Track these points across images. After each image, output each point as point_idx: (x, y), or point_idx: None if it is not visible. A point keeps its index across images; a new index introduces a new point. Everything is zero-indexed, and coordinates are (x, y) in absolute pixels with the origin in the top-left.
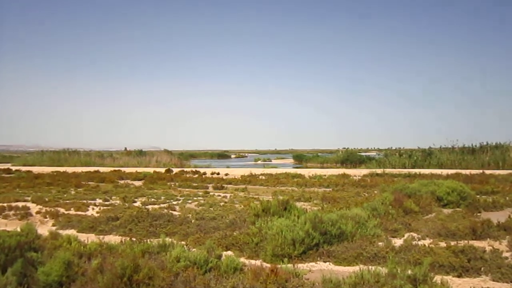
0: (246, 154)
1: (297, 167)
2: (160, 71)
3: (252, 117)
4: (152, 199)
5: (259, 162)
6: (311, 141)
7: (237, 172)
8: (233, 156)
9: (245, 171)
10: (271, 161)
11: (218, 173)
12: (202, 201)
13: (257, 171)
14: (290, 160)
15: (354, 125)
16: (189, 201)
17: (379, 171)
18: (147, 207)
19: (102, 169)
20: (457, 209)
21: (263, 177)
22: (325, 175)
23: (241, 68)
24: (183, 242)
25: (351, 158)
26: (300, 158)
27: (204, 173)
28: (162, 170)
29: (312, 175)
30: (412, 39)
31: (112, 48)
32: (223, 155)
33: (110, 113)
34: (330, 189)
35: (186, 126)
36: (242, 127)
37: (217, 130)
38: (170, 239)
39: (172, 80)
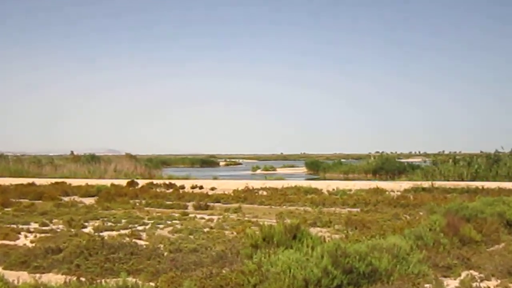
0: (241, 161)
1: (311, 179)
2: (117, 44)
3: (249, 110)
4: (109, 223)
5: (258, 171)
6: (332, 143)
7: (227, 185)
8: (222, 163)
9: (239, 184)
10: (275, 170)
11: (201, 187)
12: (178, 226)
13: (255, 184)
14: (302, 169)
15: (391, 121)
16: (161, 226)
17: (425, 184)
18: (101, 234)
19: (39, 181)
20: None
21: (264, 193)
22: (350, 190)
23: (234, 40)
24: (152, 284)
25: (387, 167)
26: (316, 167)
27: (182, 187)
28: (123, 182)
29: (333, 189)
30: (472, 14)
31: (47, 12)
32: (208, 162)
33: (50, 104)
34: (358, 210)
35: (157, 122)
36: (234, 123)
37: (200, 128)
38: (133, 279)
39: (135, 58)
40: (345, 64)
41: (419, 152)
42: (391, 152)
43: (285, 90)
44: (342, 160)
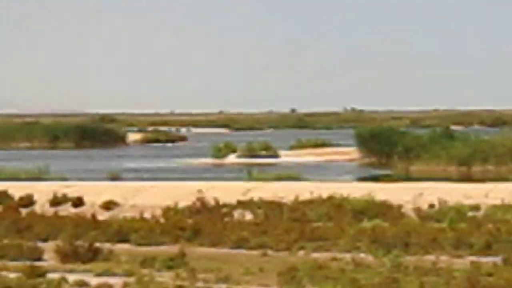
0: (185, 130)
1: (373, 178)
2: None
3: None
4: None
5: (231, 158)
6: (421, 87)
7: (148, 196)
8: (133, 136)
9: (181, 193)
10: (277, 155)
11: (78, 201)
12: None
13: (224, 191)
14: (348, 152)
15: None
16: None
17: None
18: None
19: None
20: None
21: (249, 216)
22: (478, 208)
23: None
24: None
25: None
26: (386, 144)
27: (28, 202)
28: None
29: (432, 206)
30: None
31: None
32: (96, 134)
33: None
34: (498, 260)
35: None
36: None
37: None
38: None
39: None
40: None
41: None
42: None
43: None
44: (454, 127)
